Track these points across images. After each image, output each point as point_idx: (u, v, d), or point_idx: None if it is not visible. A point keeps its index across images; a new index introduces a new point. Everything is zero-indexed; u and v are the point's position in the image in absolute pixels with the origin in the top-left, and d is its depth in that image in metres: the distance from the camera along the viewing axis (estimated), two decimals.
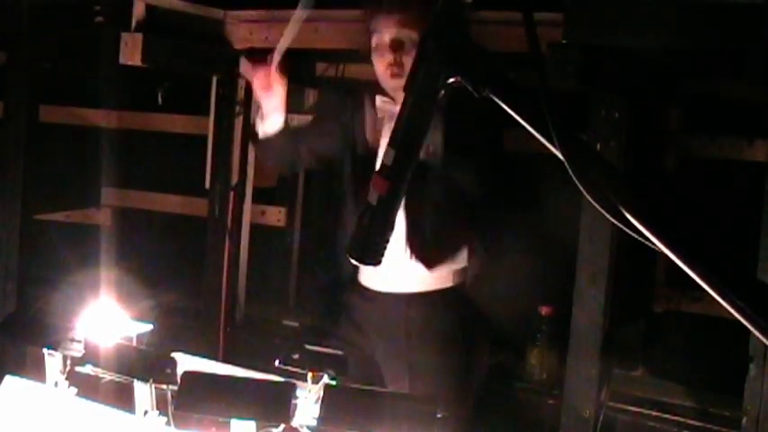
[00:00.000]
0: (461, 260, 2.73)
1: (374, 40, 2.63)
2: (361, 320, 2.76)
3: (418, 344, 2.68)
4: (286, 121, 2.76)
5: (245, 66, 2.68)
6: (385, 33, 2.59)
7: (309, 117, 3.41)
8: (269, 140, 2.77)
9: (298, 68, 3.78)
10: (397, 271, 2.65)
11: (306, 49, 3.53)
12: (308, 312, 3.81)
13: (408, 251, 2.64)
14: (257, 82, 2.71)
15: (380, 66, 2.62)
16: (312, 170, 3.84)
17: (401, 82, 2.58)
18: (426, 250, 2.66)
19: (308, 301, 3.96)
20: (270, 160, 3.04)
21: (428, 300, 2.68)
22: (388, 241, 1.35)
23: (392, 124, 2.62)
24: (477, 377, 2.83)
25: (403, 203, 2.52)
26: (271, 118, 2.74)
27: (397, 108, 2.61)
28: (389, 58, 2.59)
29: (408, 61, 2.56)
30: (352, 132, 2.76)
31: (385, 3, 2.58)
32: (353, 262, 1.41)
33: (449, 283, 2.70)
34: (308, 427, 1.64)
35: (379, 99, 2.67)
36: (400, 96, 2.62)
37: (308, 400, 1.70)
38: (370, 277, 2.73)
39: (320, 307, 3.11)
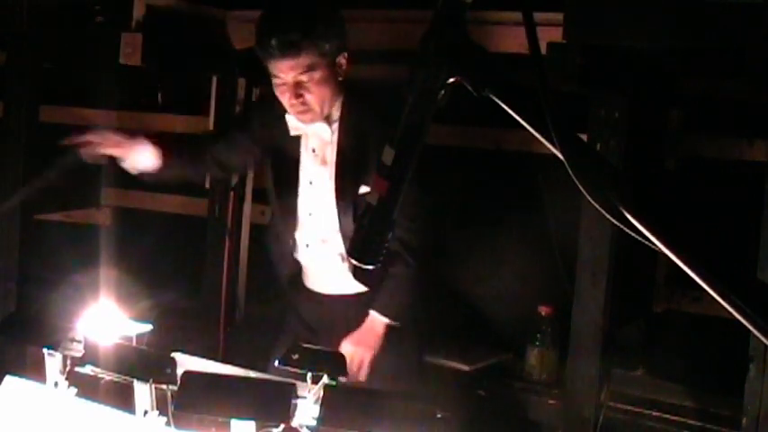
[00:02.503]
0: None
1: (273, 80, 2.55)
2: (311, 321, 2.80)
3: None
4: (163, 150, 2.71)
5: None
6: (284, 78, 2.51)
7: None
8: (159, 174, 2.76)
9: None
10: (337, 275, 2.68)
11: None
12: None
13: (346, 257, 2.65)
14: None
15: (283, 101, 2.56)
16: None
17: (309, 117, 2.55)
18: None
19: None
20: (175, 180, 2.97)
21: (367, 300, 2.69)
22: (387, 241, 1.35)
23: (308, 142, 2.62)
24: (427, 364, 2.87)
25: (337, 210, 2.56)
26: (137, 166, 2.72)
27: (308, 127, 2.59)
28: (292, 100, 2.52)
29: (313, 97, 2.52)
30: (269, 145, 2.75)
31: (278, 48, 2.48)
32: (354, 263, 1.41)
33: None
34: (307, 427, 1.64)
35: (289, 118, 2.63)
36: (310, 121, 2.57)
37: (307, 400, 1.70)
38: (316, 283, 2.78)
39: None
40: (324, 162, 2.65)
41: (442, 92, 1.27)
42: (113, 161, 2.77)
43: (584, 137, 2.72)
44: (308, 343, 2.61)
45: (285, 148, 2.70)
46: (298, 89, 2.51)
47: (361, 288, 2.69)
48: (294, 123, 2.64)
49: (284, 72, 2.50)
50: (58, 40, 3.60)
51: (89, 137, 2.68)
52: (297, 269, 2.81)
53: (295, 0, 2.60)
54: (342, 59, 2.57)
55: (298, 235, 2.73)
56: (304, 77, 2.50)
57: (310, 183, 2.68)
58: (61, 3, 3.47)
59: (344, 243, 2.61)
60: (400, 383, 2.66)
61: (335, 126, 2.62)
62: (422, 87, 1.27)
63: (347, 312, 2.71)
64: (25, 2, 3.45)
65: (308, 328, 2.79)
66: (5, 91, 3.65)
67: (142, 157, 2.71)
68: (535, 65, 1.15)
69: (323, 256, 2.72)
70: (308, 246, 2.72)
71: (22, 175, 3.57)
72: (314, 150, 2.66)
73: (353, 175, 2.58)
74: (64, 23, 3.51)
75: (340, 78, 2.58)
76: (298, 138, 2.67)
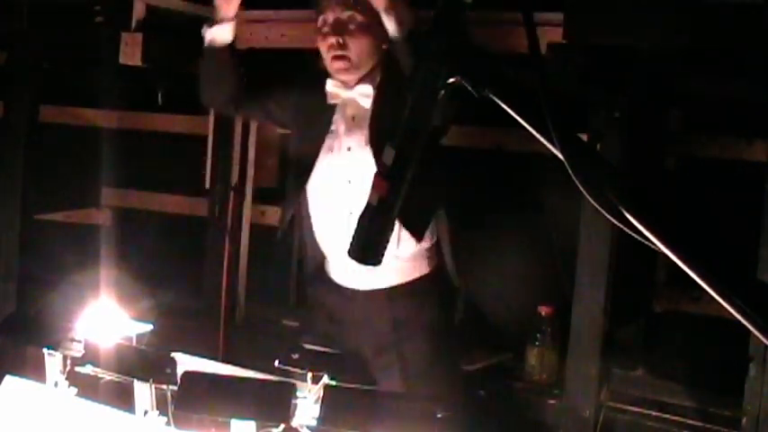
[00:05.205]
0: (429, 242, 2.69)
1: (319, 21, 2.58)
2: (343, 318, 2.72)
3: (407, 334, 2.66)
4: (233, 45, 2.69)
5: None
6: (329, 14, 2.54)
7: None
8: (213, 55, 2.69)
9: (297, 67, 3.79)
10: (372, 267, 2.61)
11: (306, 48, 3.53)
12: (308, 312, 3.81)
13: None
14: None
15: (323, 48, 2.57)
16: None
17: (345, 65, 2.54)
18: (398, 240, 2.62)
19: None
20: (208, 84, 2.84)
21: (409, 290, 2.66)
22: (388, 241, 1.35)
23: (346, 110, 2.61)
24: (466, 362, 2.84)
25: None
26: (222, 21, 2.65)
27: (348, 93, 2.58)
28: (332, 39, 2.53)
29: (353, 44, 2.52)
30: (299, 114, 2.72)
31: None
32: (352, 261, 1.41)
33: (426, 270, 2.68)
34: (308, 427, 1.64)
35: (329, 83, 2.61)
36: (347, 81, 2.56)
37: (307, 400, 1.70)
38: (345, 277, 2.70)
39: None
40: (362, 128, 2.60)
41: (442, 92, 1.27)
42: None
43: (584, 137, 2.73)
44: (334, 339, 2.63)
45: (318, 122, 2.66)
46: (339, 27, 2.52)
47: (392, 281, 2.64)
48: (333, 90, 2.61)
49: (331, 7, 2.53)
50: (58, 40, 3.60)
51: None
52: (323, 261, 2.74)
53: None
54: None
55: (336, 207, 2.64)
56: (348, 16, 2.52)
57: (348, 149, 2.61)
58: (61, 3, 3.47)
59: None
60: (436, 375, 2.63)
61: (374, 92, 2.58)
62: (422, 87, 1.27)
63: (379, 309, 2.66)
64: (25, 2, 3.46)
65: (334, 322, 2.73)
66: (5, 91, 3.66)
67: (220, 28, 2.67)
68: (535, 65, 1.15)
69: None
70: (351, 213, 2.59)
71: (23, 175, 3.57)
72: (353, 118, 2.61)
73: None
74: (64, 23, 3.51)
75: (383, 46, 2.56)
76: (332, 111, 2.64)
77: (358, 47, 2.54)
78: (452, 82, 1.26)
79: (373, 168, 2.50)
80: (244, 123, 3.83)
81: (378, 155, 2.55)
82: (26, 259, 3.64)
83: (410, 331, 2.67)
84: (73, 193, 4.37)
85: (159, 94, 4.22)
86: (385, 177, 1.30)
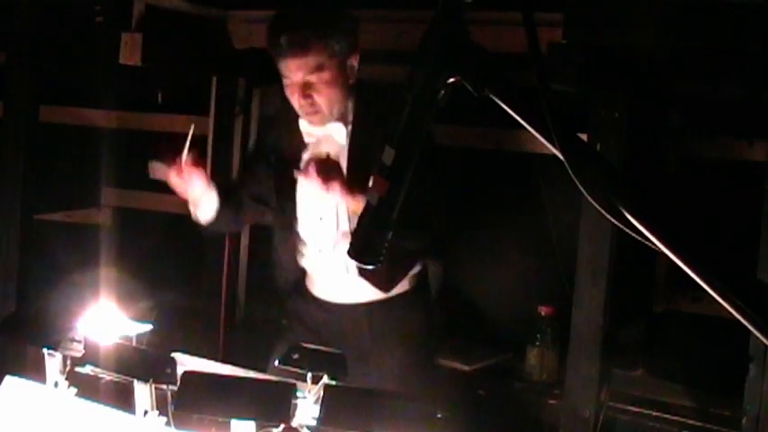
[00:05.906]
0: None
1: (283, 80, 2.51)
2: (321, 330, 2.72)
3: (385, 347, 2.67)
4: (221, 196, 2.68)
5: (155, 168, 2.66)
6: (294, 74, 2.47)
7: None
8: (214, 223, 2.71)
9: None
10: (353, 282, 2.62)
11: None
12: None
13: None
14: (173, 180, 2.61)
15: (291, 100, 2.52)
16: None
17: (317, 118, 2.51)
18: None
19: None
20: (223, 232, 2.91)
21: (389, 306, 2.66)
22: (387, 242, 1.35)
23: (321, 147, 2.55)
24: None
25: (348, 213, 2.52)
26: (203, 204, 2.67)
27: (323, 131, 2.55)
28: (300, 101, 2.48)
29: (322, 99, 2.48)
30: (281, 158, 2.70)
31: (287, 46, 2.44)
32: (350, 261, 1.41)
33: (406, 287, 2.68)
34: (307, 427, 1.64)
35: (303, 123, 2.59)
36: (320, 123, 2.54)
37: (307, 400, 1.70)
38: (326, 291, 2.71)
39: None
40: None
41: (442, 92, 1.27)
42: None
43: (584, 137, 2.73)
44: (312, 344, 2.62)
45: (292, 155, 2.64)
46: (306, 89, 2.47)
47: (373, 296, 2.64)
48: (307, 129, 2.59)
49: (293, 71, 2.47)
50: (57, 40, 3.60)
51: (178, 169, 2.60)
52: (302, 276, 2.76)
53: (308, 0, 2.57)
54: (353, 61, 2.53)
55: (308, 241, 2.68)
56: (313, 77, 2.46)
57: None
58: (61, 3, 3.47)
59: None
60: (411, 387, 2.63)
61: (349, 128, 2.57)
62: (422, 87, 1.27)
63: (358, 322, 2.66)
64: (25, 2, 3.45)
65: (311, 333, 2.72)
66: (5, 91, 3.65)
67: (206, 204, 2.68)
68: (535, 65, 1.15)
69: (334, 261, 2.65)
70: (320, 251, 2.66)
71: (22, 175, 3.57)
72: (327, 156, 2.58)
73: (366, 176, 2.52)
74: (64, 23, 3.50)
75: (351, 81, 2.54)
76: (305, 145, 2.62)
77: (328, 100, 2.50)
78: (452, 82, 1.25)
79: (344, 206, 2.54)
80: (244, 123, 3.83)
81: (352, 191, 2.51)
82: (26, 259, 3.63)
83: (388, 344, 2.67)
84: (73, 193, 4.37)
85: (159, 94, 4.22)
86: (385, 177, 1.30)
